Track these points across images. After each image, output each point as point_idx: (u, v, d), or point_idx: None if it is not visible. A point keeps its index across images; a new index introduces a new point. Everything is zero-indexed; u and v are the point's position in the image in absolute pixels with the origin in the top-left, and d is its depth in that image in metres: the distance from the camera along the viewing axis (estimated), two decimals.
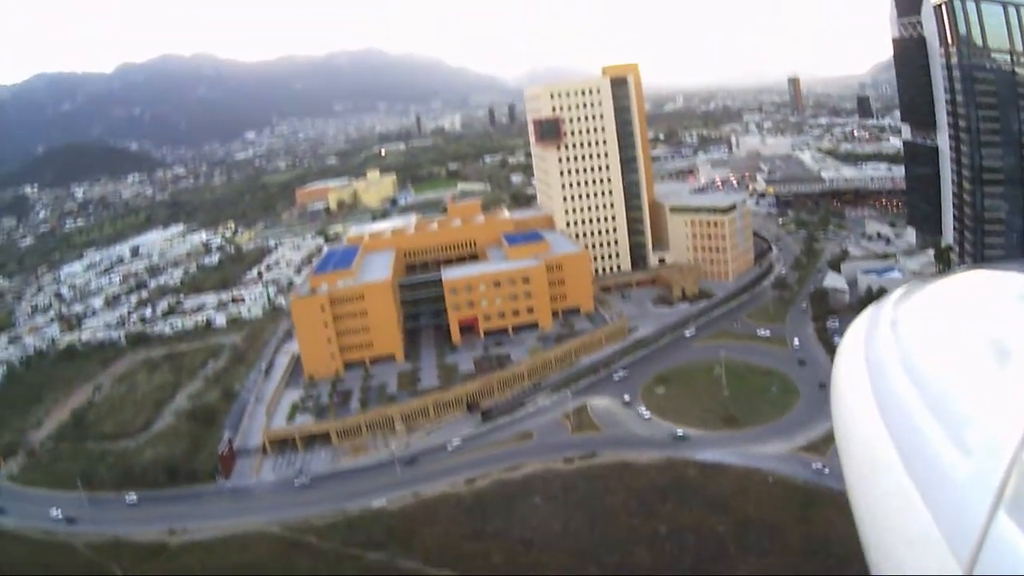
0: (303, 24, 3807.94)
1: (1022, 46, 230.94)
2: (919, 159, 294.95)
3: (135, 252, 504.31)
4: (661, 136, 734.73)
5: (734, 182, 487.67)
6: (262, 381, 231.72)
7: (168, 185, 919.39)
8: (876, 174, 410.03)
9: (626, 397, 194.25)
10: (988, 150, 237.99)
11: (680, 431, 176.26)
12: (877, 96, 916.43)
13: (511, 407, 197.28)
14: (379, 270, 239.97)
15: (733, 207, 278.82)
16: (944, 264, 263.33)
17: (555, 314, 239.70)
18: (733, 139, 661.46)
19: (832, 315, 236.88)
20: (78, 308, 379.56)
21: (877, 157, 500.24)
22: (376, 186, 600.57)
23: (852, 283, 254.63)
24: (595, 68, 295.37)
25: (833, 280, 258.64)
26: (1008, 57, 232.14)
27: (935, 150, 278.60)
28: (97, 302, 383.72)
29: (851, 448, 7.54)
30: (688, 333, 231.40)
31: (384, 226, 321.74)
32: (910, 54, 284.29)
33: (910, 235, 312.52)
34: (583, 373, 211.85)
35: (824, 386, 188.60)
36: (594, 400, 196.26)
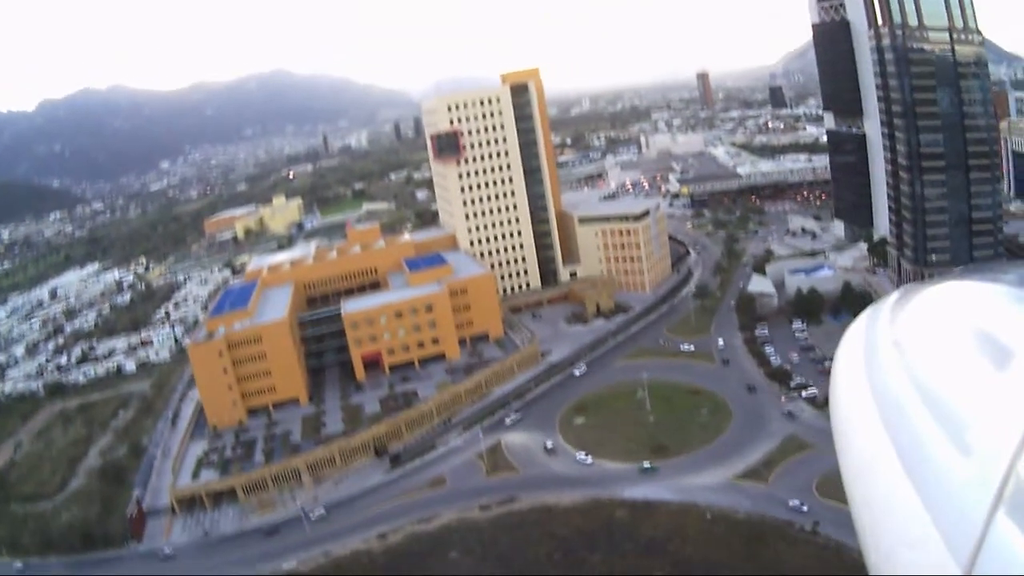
0: (214, 49, 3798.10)
1: (962, 22, 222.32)
2: (844, 148, 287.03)
3: (53, 295, 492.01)
4: (568, 141, 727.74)
5: (645, 184, 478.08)
6: (169, 433, 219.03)
7: (87, 221, 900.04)
8: (795, 166, 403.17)
9: (548, 443, 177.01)
10: (927, 135, 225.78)
11: (647, 463, 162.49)
12: (789, 85, 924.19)
13: (421, 449, 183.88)
14: (276, 308, 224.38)
15: (646, 213, 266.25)
16: (879, 258, 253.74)
17: (463, 342, 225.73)
18: (642, 139, 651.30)
19: (761, 322, 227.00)
20: (2, 358, 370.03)
21: (795, 148, 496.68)
22: (282, 212, 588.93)
23: (779, 285, 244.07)
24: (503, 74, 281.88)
25: (759, 284, 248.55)
26: (947, 35, 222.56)
27: (862, 138, 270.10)
28: (19, 350, 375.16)
29: (851, 449, 7.70)
30: (578, 372, 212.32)
31: (283, 257, 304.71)
32: (831, 39, 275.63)
33: (838, 228, 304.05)
34: (495, 406, 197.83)
35: (753, 389, 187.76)
36: (509, 436, 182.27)
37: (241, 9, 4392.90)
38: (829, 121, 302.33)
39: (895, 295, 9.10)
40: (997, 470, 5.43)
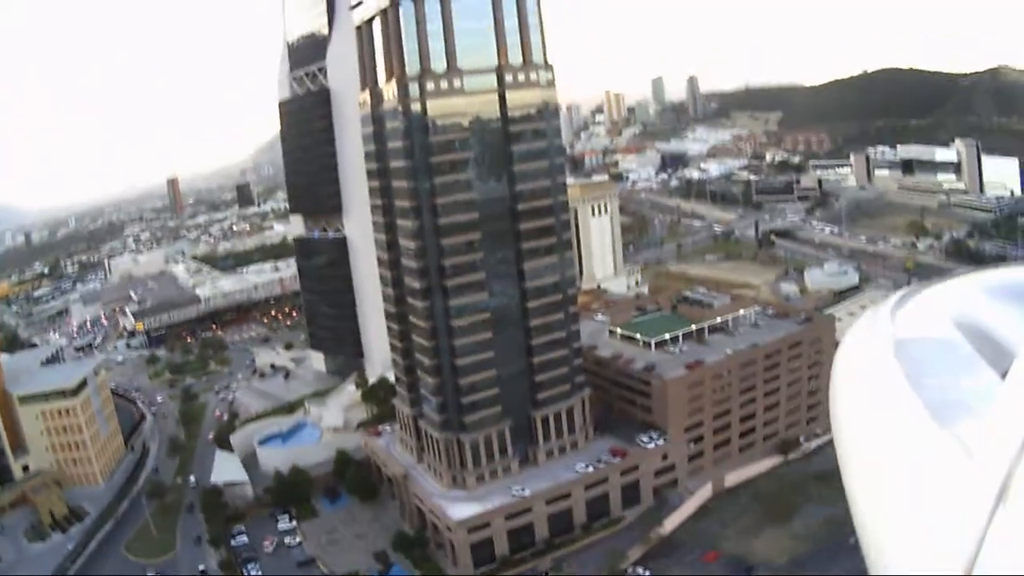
0: None
1: (521, 57, 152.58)
2: (318, 259, 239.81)
3: None
4: (46, 271, 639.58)
5: (104, 321, 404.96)
6: None
7: None
8: (261, 279, 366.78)
9: None
10: (453, 238, 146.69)
11: None
12: (259, 180, 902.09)
13: None
14: None
15: (83, 384, 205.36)
16: (382, 409, 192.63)
17: None
18: (106, 263, 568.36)
19: (237, 523, 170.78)
20: None
21: (261, 253, 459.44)
22: None
23: (251, 462, 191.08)
24: None
25: (225, 466, 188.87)
26: (493, 78, 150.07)
27: (342, 243, 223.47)
28: None
29: (851, 448, 7.81)
30: None
31: None
32: (304, 117, 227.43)
33: (317, 361, 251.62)
34: None
35: None
36: None
37: None
38: (298, 225, 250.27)
39: (898, 293, 8.96)
40: (997, 470, 5.54)
